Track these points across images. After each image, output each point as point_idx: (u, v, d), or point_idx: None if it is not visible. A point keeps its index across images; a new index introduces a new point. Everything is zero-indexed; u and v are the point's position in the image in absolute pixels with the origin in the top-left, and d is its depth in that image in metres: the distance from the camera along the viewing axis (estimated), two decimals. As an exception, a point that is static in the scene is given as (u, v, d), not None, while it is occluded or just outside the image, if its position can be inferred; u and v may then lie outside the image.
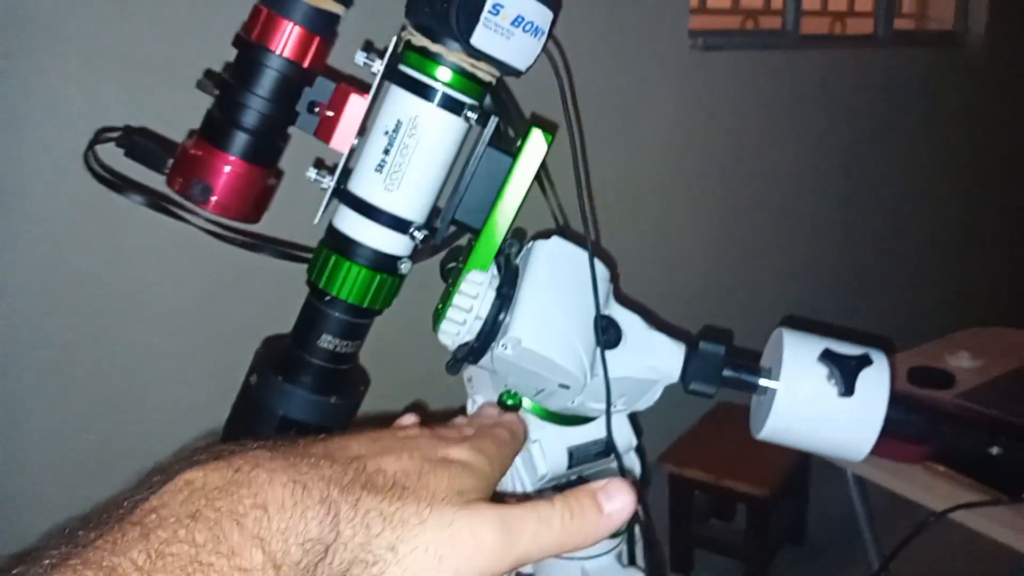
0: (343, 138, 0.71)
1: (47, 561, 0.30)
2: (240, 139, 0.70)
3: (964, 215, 3.04)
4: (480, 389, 0.90)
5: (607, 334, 0.76)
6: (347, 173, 0.73)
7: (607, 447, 0.84)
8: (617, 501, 0.42)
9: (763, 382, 0.75)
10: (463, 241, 0.79)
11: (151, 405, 1.54)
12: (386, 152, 0.70)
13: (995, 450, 0.74)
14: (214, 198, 0.71)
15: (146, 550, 0.31)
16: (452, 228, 0.75)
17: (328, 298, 0.73)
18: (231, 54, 0.72)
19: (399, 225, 0.71)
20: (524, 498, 0.43)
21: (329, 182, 0.72)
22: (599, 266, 0.76)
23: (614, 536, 0.83)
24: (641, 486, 0.88)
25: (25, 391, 1.43)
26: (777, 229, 2.47)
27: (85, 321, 1.45)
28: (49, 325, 1.42)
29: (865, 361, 0.70)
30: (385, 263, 0.73)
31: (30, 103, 1.37)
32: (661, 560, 0.92)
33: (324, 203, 0.72)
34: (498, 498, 0.42)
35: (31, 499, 1.44)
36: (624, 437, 0.85)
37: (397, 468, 0.40)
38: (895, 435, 0.73)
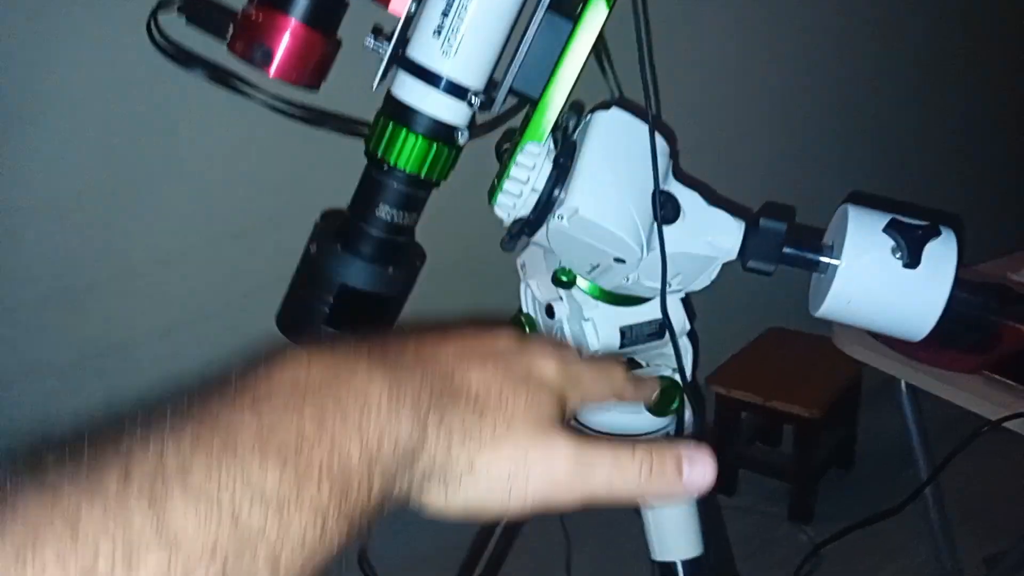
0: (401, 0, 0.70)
1: (164, 424, 0.31)
2: (300, 2, 0.70)
3: None
4: (534, 273, 0.90)
5: (665, 208, 0.75)
6: (405, 40, 0.72)
7: (661, 328, 0.84)
8: (699, 469, 0.40)
9: (825, 259, 0.74)
10: (518, 123, 0.78)
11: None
12: (444, 14, 0.69)
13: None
14: (275, 62, 0.71)
15: (257, 427, 0.31)
16: (510, 97, 0.74)
17: (386, 167, 0.73)
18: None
19: (457, 91, 0.71)
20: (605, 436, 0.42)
21: (387, 49, 0.72)
22: (659, 139, 0.75)
23: (663, 416, 0.84)
24: (694, 377, 0.88)
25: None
26: (844, 115, 2.32)
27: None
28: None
29: (932, 232, 0.68)
30: (443, 132, 0.73)
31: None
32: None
33: (381, 69, 0.72)
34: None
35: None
36: (678, 320, 0.85)
37: (482, 383, 0.39)
38: (961, 314, 0.72)
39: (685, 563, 0.80)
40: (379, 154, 0.73)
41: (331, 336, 0.77)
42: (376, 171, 0.75)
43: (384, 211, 0.75)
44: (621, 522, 1.86)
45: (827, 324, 1.37)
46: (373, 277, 0.76)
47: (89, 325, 1.44)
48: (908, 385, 1.35)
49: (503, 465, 0.37)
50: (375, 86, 0.72)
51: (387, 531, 0.42)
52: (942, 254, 0.69)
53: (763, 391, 1.89)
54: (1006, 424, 1.12)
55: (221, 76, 0.80)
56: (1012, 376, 1.17)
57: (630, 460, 0.40)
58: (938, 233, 0.69)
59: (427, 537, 1.78)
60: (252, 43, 0.71)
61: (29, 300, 1.37)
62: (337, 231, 0.77)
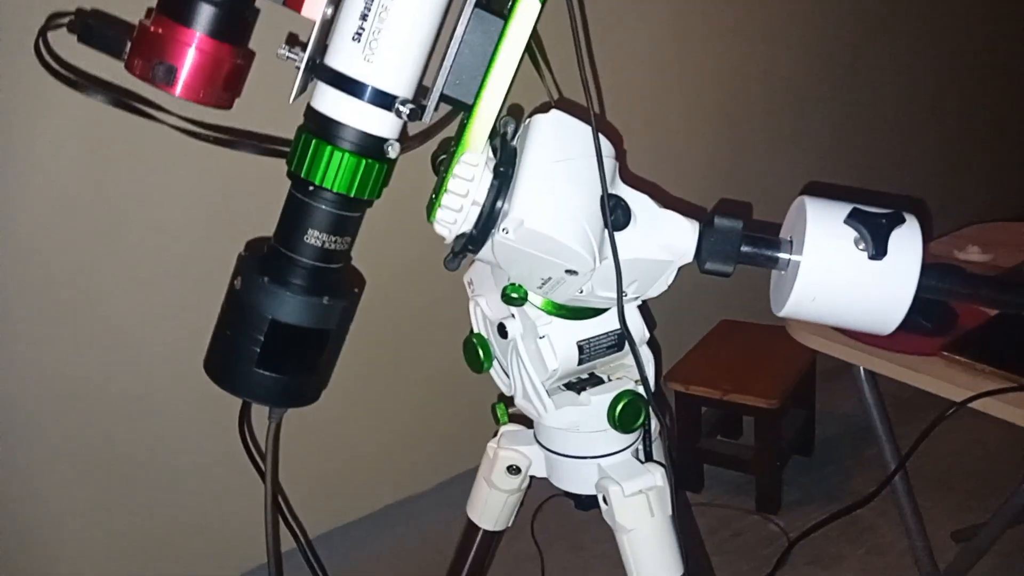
0: (315, 3, 0.64)
1: None
2: (204, 12, 0.64)
3: (974, 108, 2.91)
4: (482, 291, 0.85)
5: (615, 214, 0.70)
6: (323, 47, 0.66)
7: (620, 339, 0.80)
8: None
9: (785, 255, 0.70)
10: (454, 132, 0.73)
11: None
12: (363, 17, 0.63)
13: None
14: (180, 80, 0.64)
15: None
16: (443, 105, 0.69)
17: (312, 188, 0.67)
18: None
19: (383, 100, 0.65)
20: None
21: (303, 58, 0.65)
22: (604, 141, 0.70)
23: (630, 433, 0.79)
24: (658, 386, 0.83)
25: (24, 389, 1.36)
26: (793, 104, 2.29)
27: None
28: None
29: (896, 220, 0.65)
30: (371, 146, 0.67)
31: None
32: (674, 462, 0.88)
33: (298, 80, 0.66)
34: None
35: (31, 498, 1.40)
36: (637, 329, 0.80)
37: None
38: (930, 300, 0.68)
39: (666, 586, 0.75)
40: (303, 174, 0.67)
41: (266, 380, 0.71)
42: (301, 193, 0.68)
43: (313, 236, 0.69)
44: (591, 529, 1.83)
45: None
46: (306, 310, 0.70)
47: None
48: (867, 371, 1.33)
49: None
50: (292, 99, 0.66)
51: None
52: (908, 242, 0.65)
53: (721, 385, 1.86)
54: (971, 404, 1.11)
55: (123, 100, 0.73)
56: (971, 355, 1.16)
57: None
58: (902, 220, 0.65)
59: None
60: (152, 60, 0.64)
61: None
62: (263, 262, 0.70)
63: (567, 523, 1.87)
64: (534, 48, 0.69)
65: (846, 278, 0.65)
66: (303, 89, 0.67)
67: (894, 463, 1.41)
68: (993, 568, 1.63)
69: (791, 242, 0.70)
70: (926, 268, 0.67)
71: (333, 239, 0.69)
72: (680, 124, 2.03)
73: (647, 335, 0.81)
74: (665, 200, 0.74)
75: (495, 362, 0.83)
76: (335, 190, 0.67)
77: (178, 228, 1.37)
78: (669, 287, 0.77)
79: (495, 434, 0.89)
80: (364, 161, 0.67)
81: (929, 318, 1.22)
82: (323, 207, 0.68)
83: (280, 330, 0.69)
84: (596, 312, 0.79)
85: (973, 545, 1.49)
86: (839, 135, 2.50)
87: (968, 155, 3.00)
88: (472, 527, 0.90)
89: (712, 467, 2.03)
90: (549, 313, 0.77)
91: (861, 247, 0.65)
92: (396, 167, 0.71)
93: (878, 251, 0.64)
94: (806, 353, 2.00)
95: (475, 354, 0.83)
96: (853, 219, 0.65)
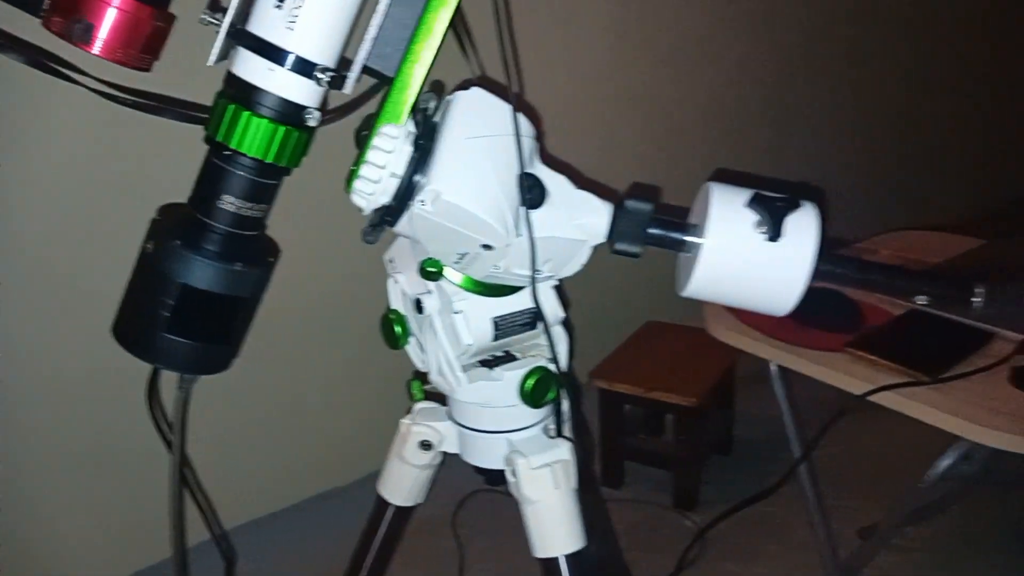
0: (238, -32, 0.64)
1: None
2: (123, -30, 0.63)
3: (895, 119, 3.00)
4: (402, 267, 0.86)
5: (531, 192, 0.72)
6: (245, 13, 0.67)
7: (535, 317, 0.82)
8: None
9: (690, 238, 0.73)
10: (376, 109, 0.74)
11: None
12: (287, -15, 0.64)
13: (921, 300, 0.74)
14: (98, 39, 0.64)
15: None
16: (367, 79, 0.70)
17: (228, 153, 0.67)
18: None
19: (303, 67, 0.66)
20: None
21: (224, 22, 0.66)
22: (523, 120, 0.72)
23: (539, 408, 0.81)
24: (569, 365, 0.85)
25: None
26: (713, 92, 2.33)
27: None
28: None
29: (792, 204, 0.68)
30: (290, 113, 0.67)
31: None
32: (590, 438, 0.90)
33: (218, 45, 0.66)
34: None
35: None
36: (551, 308, 0.82)
37: None
38: (837, 298, 0.72)
39: (568, 557, 0.77)
40: (220, 138, 0.67)
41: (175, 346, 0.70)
42: (218, 158, 0.68)
43: (228, 202, 0.69)
44: (511, 524, 1.85)
45: (702, 316, 1.40)
46: (219, 276, 0.69)
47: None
48: (779, 367, 1.38)
49: None
50: (212, 61, 0.66)
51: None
52: (803, 226, 0.69)
53: (644, 383, 1.90)
54: (872, 398, 1.16)
55: (40, 61, 0.72)
56: (873, 351, 1.21)
57: None
58: (799, 205, 0.69)
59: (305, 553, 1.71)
60: (71, 17, 0.64)
61: None
62: (176, 226, 0.70)
63: (489, 518, 1.88)
64: (457, 24, 0.71)
65: (744, 259, 0.69)
66: (224, 55, 0.68)
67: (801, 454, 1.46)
68: (893, 565, 1.71)
69: (696, 225, 0.73)
70: (822, 253, 0.70)
71: (248, 206, 0.70)
72: (600, 107, 2.05)
73: (561, 315, 0.84)
74: (581, 182, 0.76)
75: (412, 339, 0.84)
76: (251, 155, 0.67)
77: (91, 193, 1.34)
78: (587, 273, 0.79)
79: (408, 410, 0.90)
80: (282, 128, 0.67)
81: (835, 316, 1.28)
82: (239, 173, 0.68)
83: (192, 295, 0.69)
84: (512, 290, 0.81)
85: (870, 542, 1.56)
86: (766, 129, 2.54)
87: (887, 168, 3.10)
88: (382, 503, 0.90)
89: (633, 464, 2.06)
90: (466, 289, 0.79)
91: (761, 230, 0.69)
92: (324, 149, 0.71)
93: (774, 233, 0.67)
94: (727, 356, 2.06)
95: (391, 330, 0.84)
96: (754, 203, 0.68)
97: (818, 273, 0.70)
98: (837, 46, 2.76)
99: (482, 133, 0.71)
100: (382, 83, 0.71)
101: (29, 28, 0.69)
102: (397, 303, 0.85)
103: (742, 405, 2.19)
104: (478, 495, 1.92)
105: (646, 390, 1.90)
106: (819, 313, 1.38)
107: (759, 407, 2.33)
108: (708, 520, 1.91)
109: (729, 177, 0.74)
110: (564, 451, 0.80)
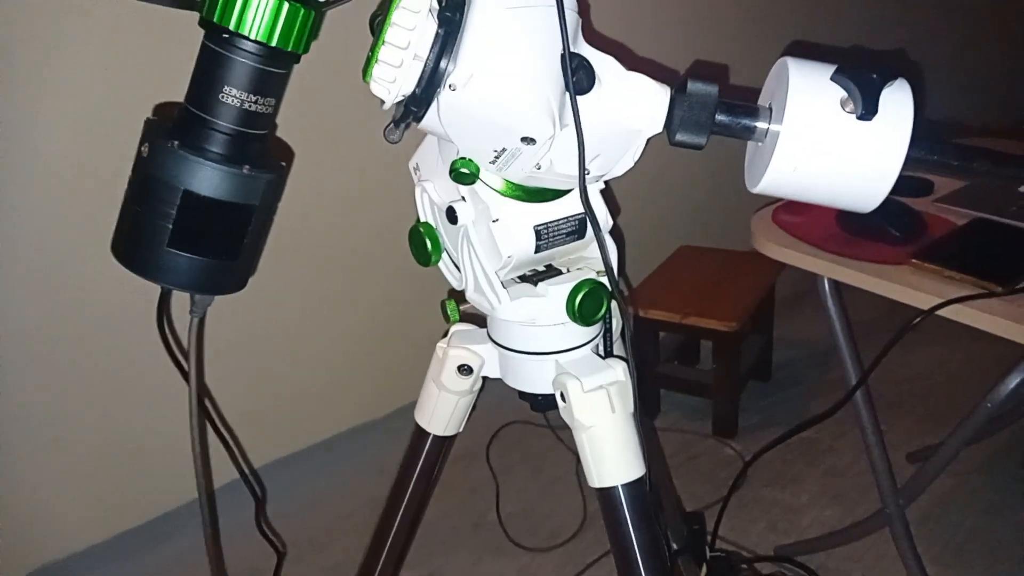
0: None
1: None
2: None
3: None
4: (429, 174, 0.77)
5: (577, 75, 0.63)
6: None
7: (581, 224, 0.73)
8: None
9: (763, 124, 0.63)
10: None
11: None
12: None
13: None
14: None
15: None
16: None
17: (227, 36, 0.58)
18: None
19: (310, -71, 0.56)
20: None
21: None
22: (565, -8, 0.62)
23: (590, 326, 0.73)
24: (621, 274, 0.77)
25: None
26: None
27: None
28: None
29: (887, 77, 0.58)
30: (297, -13, 0.58)
31: None
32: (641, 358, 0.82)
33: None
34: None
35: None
36: (601, 212, 0.73)
37: None
38: (899, 209, 0.62)
39: (626, 487, 0.70)
40: (216, 19, 0.57)
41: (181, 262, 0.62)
42: (215, 44, 0.59)
43: (231, 95, 0.60)
44: (547, 456, 1.79)
45: (737, 238, 1.28)
46: (225, 181, 0.61)
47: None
48: (832, 284, 1.28)
49: None
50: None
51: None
52: (899, 103, 0.59)
53: (679, 309, 1.82)
54: (939, 312, 1.07)
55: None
56: (940, 263, 1.12)
57: None
58: (893, 78, 0.59)
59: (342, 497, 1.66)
60: None
61: None
62: (174, 126, 0.61)
63: (524, 448, 1.83)
64: None
65: (832, 142, 0.59)
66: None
67: (855, 378, 1.38)
68: (950, 489, 1.64)
69: (771, 110, 0.63)
70: (914, 137, 0.60)
71: (254, 99, 0.61)
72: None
73: (611, 222, 0.75)
74: (632, 62, 0.66)
75: (444, 254, 0.76)
76: (254, 38, 0.58)
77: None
78: (635, 163, 0.69)
79: (445, 333, 0.82)
80: (288, 4, 0.58)
81: (898, 226, 1.18)
82: (241, 60, 0.59)
83: (195, 203, 0.60)
84: (555, 195, 0.72)
85: (929, 465, 1.48)
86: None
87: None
88: (421, 432, 0.83)
89: (669, 392, 2.00)
90: (503, 194, 0.70)
91: (848, 108, 0.59)
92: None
93: (868, 110, 0.57)
94: (765, 278, 1.98)
95: (422, 244, 0.75)
96: (841, 75, 0.58)
97: (911, 160, 0.61)
98: None
99: (519, 3, 0.60)
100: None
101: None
102: (427, 214, 0.76)
103: (780, 329, 2.11)
104: (512, 426, 1.87)
105: (682, 316, 1.82)
106: (879, 222, 1.29)
107: (798, 330, 2.26)
108: (748, 447, 1.85)
109: (807, 50, 0.64)
110: (619, 372, 0.71)
